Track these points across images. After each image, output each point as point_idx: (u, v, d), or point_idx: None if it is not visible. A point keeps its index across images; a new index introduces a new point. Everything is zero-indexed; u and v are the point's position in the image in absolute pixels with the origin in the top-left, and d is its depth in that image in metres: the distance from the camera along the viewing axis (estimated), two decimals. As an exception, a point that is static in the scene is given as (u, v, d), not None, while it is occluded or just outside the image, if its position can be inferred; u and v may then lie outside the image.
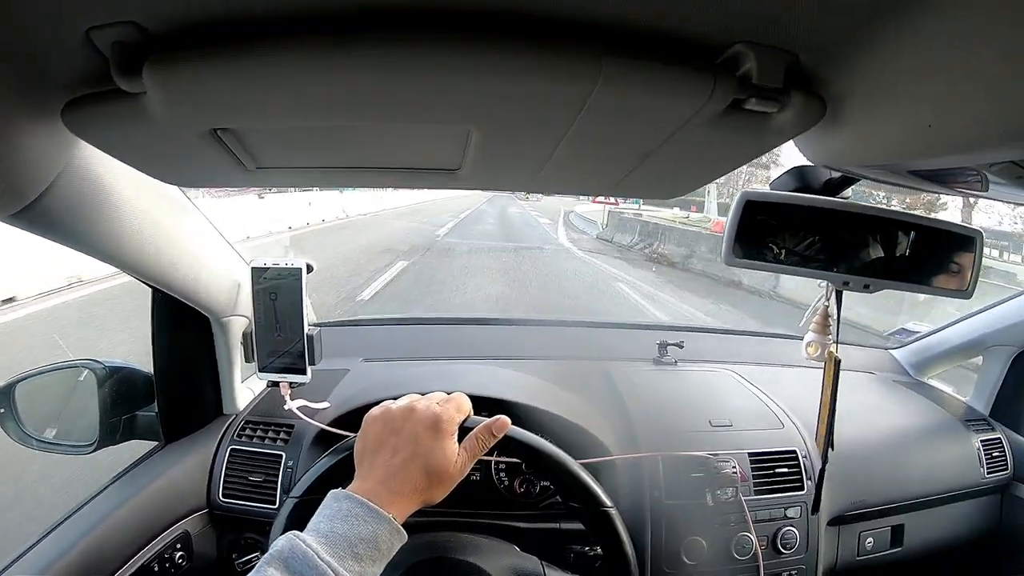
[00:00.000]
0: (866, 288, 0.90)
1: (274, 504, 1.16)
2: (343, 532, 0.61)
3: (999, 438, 1.57)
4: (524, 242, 17.33)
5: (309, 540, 0.60)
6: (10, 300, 6.42)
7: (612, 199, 19.05)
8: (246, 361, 1.27)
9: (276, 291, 1.03)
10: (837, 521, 1.30)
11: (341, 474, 0.80)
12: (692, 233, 16.52)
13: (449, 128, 0.56)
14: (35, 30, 0.43)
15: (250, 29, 0.42)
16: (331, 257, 10.68)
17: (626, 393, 1.40)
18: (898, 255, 0.90)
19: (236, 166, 0.64)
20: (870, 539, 1.36)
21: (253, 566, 0.59)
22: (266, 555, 0.60)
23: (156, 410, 1.23)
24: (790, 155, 0.72)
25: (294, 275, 1.02)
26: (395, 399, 0.77)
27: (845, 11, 0.42)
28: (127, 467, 1.18)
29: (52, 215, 0.70)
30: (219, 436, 1.25)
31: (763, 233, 0.88)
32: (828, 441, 1.01)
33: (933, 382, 1.83)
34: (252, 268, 1.03)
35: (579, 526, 0.94)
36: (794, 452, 1.25)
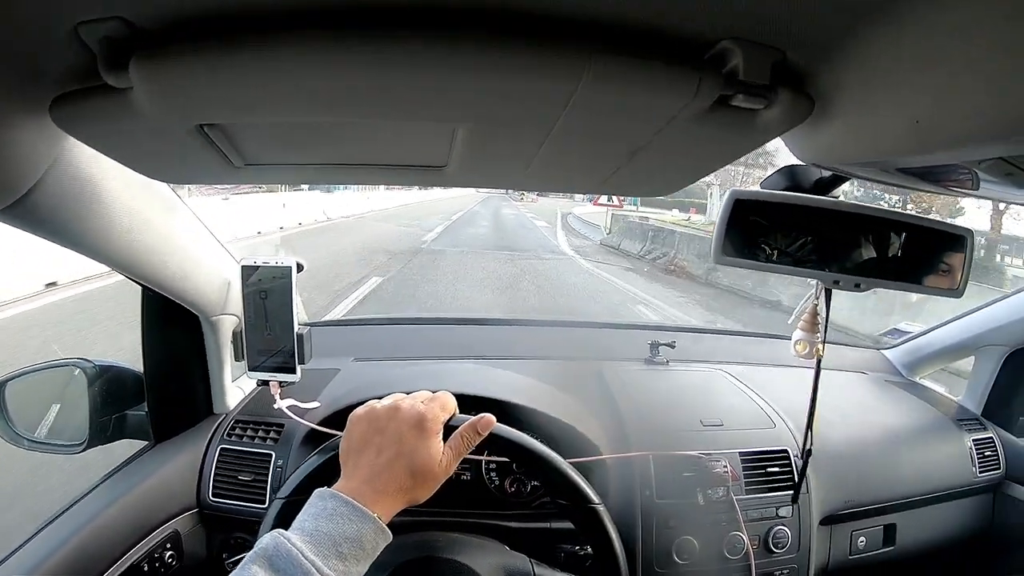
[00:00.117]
0: (857, 287, 0.90)
1: (264, 503, 1.15)
2: (328, 531, 0.61)
3: (991, 437, 1.57)
4: (521, 249, 15.60)
5: (294, 539, 0.59)
6: (52, 284, 6.90)
7: (615, 201, 18.30)
8: (236, 360, 1.27)
9: (266, 290, 1.02)
10: (829, 520, 1.30)
11: (329, 474, 0.79)
12: (710, 240, 14.71)
13: (435, 125, 0.56)
14: (25, 25, 0.43)
15: (237, 25, 0.42)
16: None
17: (617, 393, 1.40)
18: (889, 254, 0.90)
19: (224, 163, 0.64)
20: (862, 538, 1.36)
21: None
22: (250, 553, 0.59)
23: (146, 409, 1.22)
24: (787, 157, 0.72)
25: (284, 274, 1.01)
26: (381, 398, 0.77)
27: (832, 8, 0.42)
28: (117, 466, 1.18)
29: (40, 211, 0.70)
30: (209, 435, 1.24)
31: (753, 232, 0.88)
32: (808, 433, 1.02)
33: (925, 382, 1.84)
34: (242, 267, 1.02)
35: (570, 525, 0.94)
36: (785, 452, 1.25)
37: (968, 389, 1.74)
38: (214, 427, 1.26)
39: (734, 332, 2.11)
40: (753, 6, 0.42)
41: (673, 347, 1.61)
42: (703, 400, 1.42)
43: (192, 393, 1.27)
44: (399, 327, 1.92)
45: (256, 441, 1.23)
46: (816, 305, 0.98)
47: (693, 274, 12.79)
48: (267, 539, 0.60)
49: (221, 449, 1.22)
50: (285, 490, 0.87)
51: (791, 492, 1.21)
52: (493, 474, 1.22)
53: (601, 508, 0.85)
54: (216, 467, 1.20)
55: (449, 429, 0.75)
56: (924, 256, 0.91)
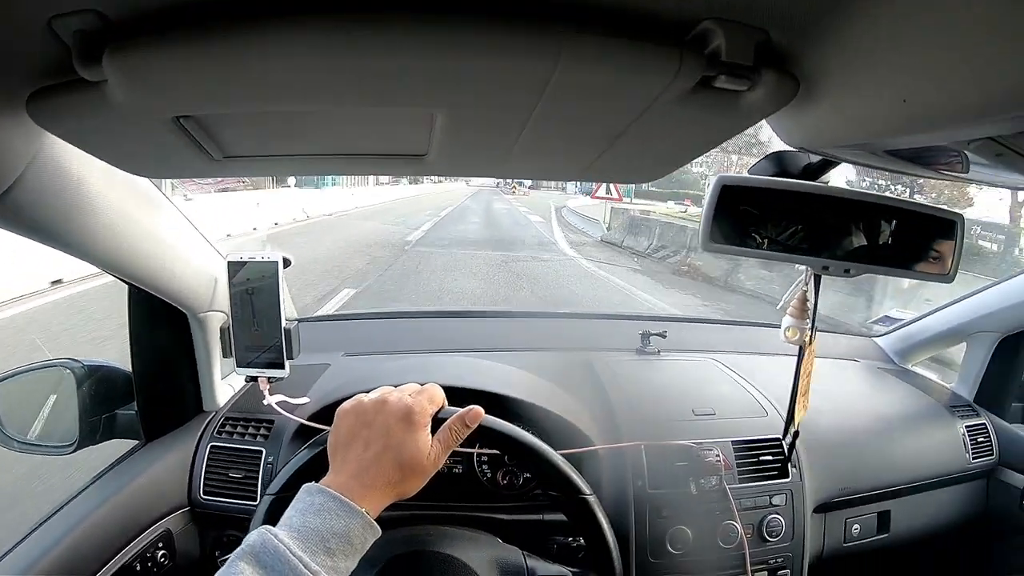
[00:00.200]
0: (847, 272, 0.89)
1: (255, 500, 1.15)
2: (315, 526, 0.61)
3: (984, 424, 1.58)
4: (516, 249, 13.96)
5: (281, 535, 0.59)
6: (57, 282, 6.90)
7: (614, 193, 17.22)
8: (224, 357, 1.26)
9: (253, 286, 1.02)
10: (823, 508, 1.30)
11: (318, 469, 0.79)
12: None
13: (414, 112, 0.55)
14: None
15: (208, 14, 0.42)
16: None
17: (608, 383, 1.40)
18: (880, 239, 0.89)
19: (203, 156, 0.63)
20: (856, 526, 1.36)
21: None
22: (237, 549, 0.59)
23: (136, 408, 1.22)
24: (780, 147, 0.71)
25: (271, 269, 1.01)
26: (370, 392, 0.76)
27: None
28: (108, 466, 1.17)
29: (21, 209, 0.69)
30: (199, 433, 1.23)
31: (743, 220, 0.88)
32: (790, 414, 1.02)
33: (917, 369, 1.84)
34: (228, 263, 1.02)
35: (563, 517, 0.93)
36: (778, 440, 1.25)
37: (960, 376, 1.74)
38: (204, 425, 1.25)
39: (725, 321, 2.12)
40: None
41: (664, 337, 1.60)
42: (695, 389, 1.42)
43: (181, 391, 1.26)
44: (389, 321, 1.92)
45: (246, 438, 1.22)
46: (805, 291, 0.97)
47: (710, 276, 11.36)
48: (254, 535, 0.59)
49: (211, 447, 1.21)
50: (274, 486, 0.86)
51: (785, 480, 1.21)
52: (485, 467, 1.22)
53: (593, 499, 0.85)
54: (207, 465, 1.19)
55: (438, 422, 0.74)
56: (915, 241, 0.90)
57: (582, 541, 1.10)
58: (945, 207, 0.92)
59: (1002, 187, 0.77)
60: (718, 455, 1.19)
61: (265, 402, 1.05)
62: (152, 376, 1.21)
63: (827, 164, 0.87)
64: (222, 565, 0.59)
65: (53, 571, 0.95)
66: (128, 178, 0.86)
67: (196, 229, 1.11)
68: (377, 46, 0.43)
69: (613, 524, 0.86)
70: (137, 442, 1.23)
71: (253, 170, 0.74)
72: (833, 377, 1.59)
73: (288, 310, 1.05)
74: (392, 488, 0.68)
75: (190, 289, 1.11)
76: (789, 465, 1.22)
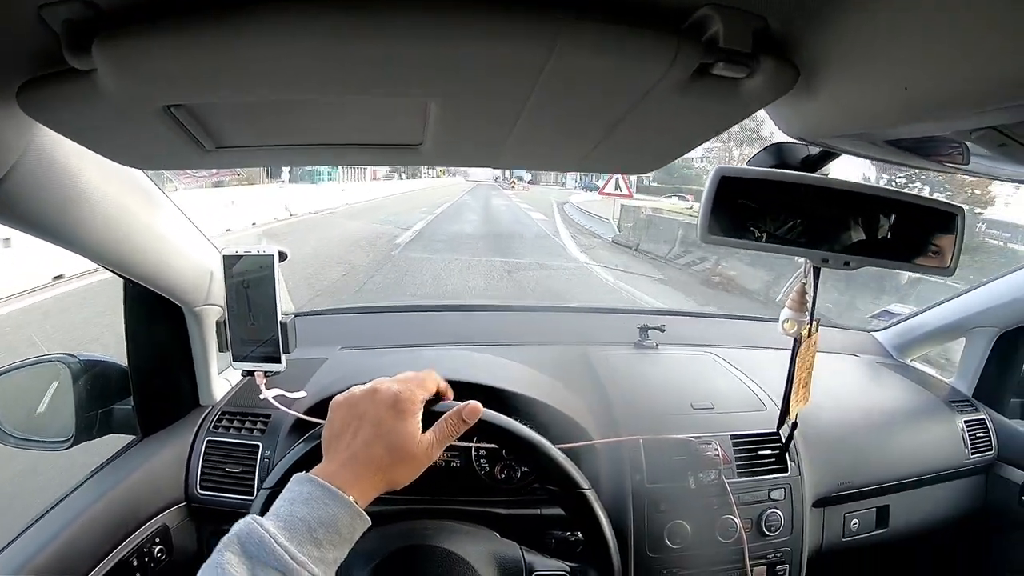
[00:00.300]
0: (846, 265, 0.89)
1: (252, 495, 1.15)
2: (302, 516, 0.60)
3: (983, 419, 1.58)
4: (519, 254, 12.11)
5: (267, 524, 0.59)
6: (59, 277, 7.02)
7: (624, 189, 15.92)
8: (220, 351, 1.26)
9: (249, 279, 1.01)
10: (822, 503, 1.30)
11: (314, 462, 0.78)
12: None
13: (408, 102, 0.55)
14: None
15: (198, 1, 0.41)
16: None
17: (606, 377, 1.39)
18: (880, 231, 0.89)
19: (195, 146, 0.63)
20: (855, 520, 1.36)
21: None
22: (224, 538, 0.59)
23: (132, 403, 1.21)
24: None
25: (266, 263, 1.00)
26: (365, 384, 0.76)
27: None
28: (104, 461, 1.17)
29: (13, 201, 0.68)
30: (196, 428, 1.23)
31: (742, 214, 0.87)
32: (785, 405, 1.02)
33: (916, 364, 1.84)
34: (224, 256, 1.01)
35: (560, 511, 0.93)
36: (777, 434, 1.25)
37: (959, 371, 1.74)
38: (200, 419, 1.25)
39: (724, 315, 2.11)
40: None
41: (663, 331, 1.60)
42: (693, 383, 1.41)
43: (178, 386, 1.26)
44: (387, 315, 1.92)
45: (243, 432, 1.22)
46: (804, 284, 0.97)
47: (747, 288, 9.57)
48: (241, 524, 0.59)
49: (208, 441, 1.21)
50: (270, 480, 0.86)
51: (784, 474, 1.21)
52: (483, 461, 1.22)
53: (591, 493, 0.85)
54: (203, 459, 1.19)
55: (435, 415, 0.74)
56: (915, 233, 0.90)
57: (580, 535, 1.09)
58: (946, 200, 0.91)
59: (1002, 180, 0.77)
60: (717, 449, 1.19)
61: (262, 396, 1.04)
62: (148, 371, 1.21)
63: (827, 156, 0.86)
64: None
65: (50, 566, 0.95)
66: (122, 171, 0.85)
67: (191, 222, 1.10)
68: (370, 33, 0.42)
69: (611, 518, 0.86)
70: (134, 437, 1.23)
71: (247, 161, 0.74)
72: (832, 372, 1.58)
73: (284, 304, 1.04)
74: (382, 475, 0.68)
75: (186, 283, 1.11)
76: (788, 458, 1.22)
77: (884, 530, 1.40)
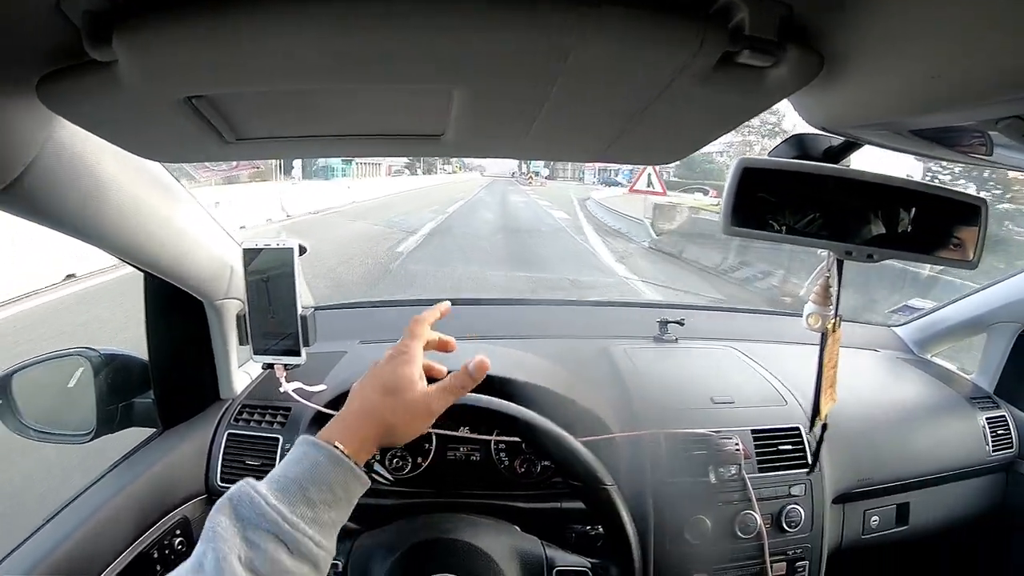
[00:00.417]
0: (870, 258, 0.88)
1: None
2: (295, 476, 0.61)
3: (1004, 416, 1.56)
4: (544, 265, 10.67)
5: (260, 487, 0.59)
6: (71, 276, 7.20)
7: (656, 186, 14.01)
8: (241, 344, 1.26)
9: (268, 273, 1.02)
10: (842, 499, 1.29)
11: None
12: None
13: (431, 91, 0.54)
14: (6, 3, 0.42)
15: None
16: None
17: (626, 371, 1.39)
18: (901, 224, 0.88)
19: (215, 138, 0.63)
20: (875, 517, 1.35)
21: None
22: (218, 501, 0.59)
23: (153, 397, 1.22)
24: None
25: (286, 257, 1.01)
26: None
27: None
28: (124, 454, 1.18)
29: (34, 195, 0.69)
30: (216, 421, 1.24)
31: (762, 208, 0.87)
32: (815, 407, 1.01)
33: (937, 360, 1.82)
34: (244, 250, 1.02)
35: (581, 506, 0.93)
36: (797, 429, 1.24)
37: (980, 367, 1.72)
38: (221, 412, 1.26)
39: (744, 309, 2.10)
40: None
41: (682, 324, 1.60)
42: (713, 377, 1.41)
43: (198, 379, 1.27)
44: (405, 308, 1.91)
45: (263, 425, 1.22)
46: (828, 278, 0.96)
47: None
48: (235, 488, 0.60)
49: (228, 434, 1.21)
50: None
51: (804, 470, 1.20)
52: (503, 454, 1.22)
53: (613, 489, 0.85)
54: (224, 452, 1.20)
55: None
56: (938, 226, 0.89)
57: (600, 530, 1.09)
58: (969, 192, 0.90)
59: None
60: (737, 444, 1.18)
61: (282, 389, 1.05)
62: (169, 364, 1.22)
63: (849, 147, 0.85)
64: None
65: (71, 558, 0.95)
66: (142, 164, 0.86)
67: (211, 216, 1.11)
68: (393, 21, 0.42)
69: (631, 513, 0.86)
70: (154, 430, 1.24)
71: (268, 152, 0.74)
72: (852, 367, 1.56)
73: (304, 297, 1.04)
74: (378, 423, 0.68)
75: (206, 277, 1.11)
76: (813, 457, 1.21)
77: (904, 527, 1.38)
